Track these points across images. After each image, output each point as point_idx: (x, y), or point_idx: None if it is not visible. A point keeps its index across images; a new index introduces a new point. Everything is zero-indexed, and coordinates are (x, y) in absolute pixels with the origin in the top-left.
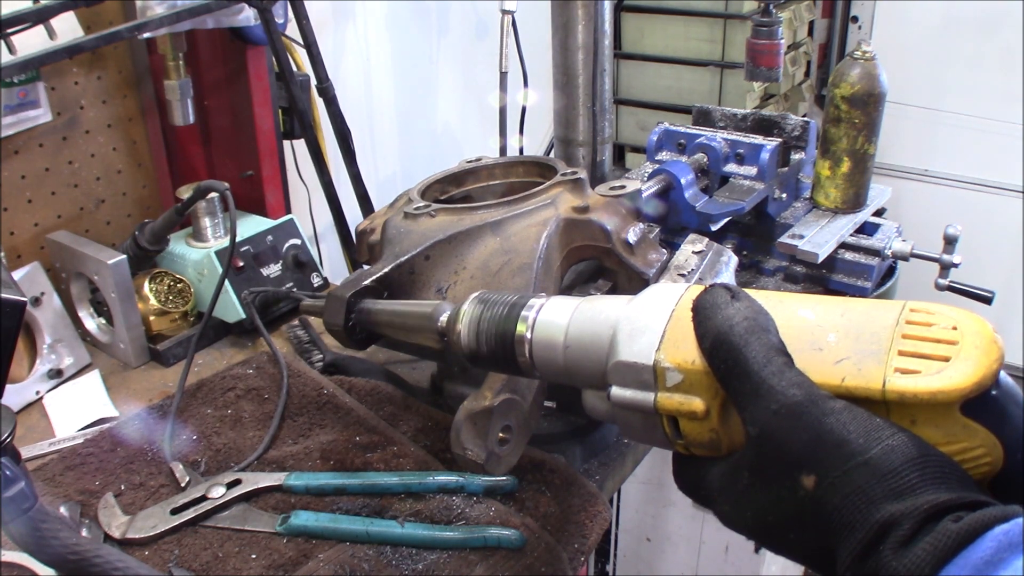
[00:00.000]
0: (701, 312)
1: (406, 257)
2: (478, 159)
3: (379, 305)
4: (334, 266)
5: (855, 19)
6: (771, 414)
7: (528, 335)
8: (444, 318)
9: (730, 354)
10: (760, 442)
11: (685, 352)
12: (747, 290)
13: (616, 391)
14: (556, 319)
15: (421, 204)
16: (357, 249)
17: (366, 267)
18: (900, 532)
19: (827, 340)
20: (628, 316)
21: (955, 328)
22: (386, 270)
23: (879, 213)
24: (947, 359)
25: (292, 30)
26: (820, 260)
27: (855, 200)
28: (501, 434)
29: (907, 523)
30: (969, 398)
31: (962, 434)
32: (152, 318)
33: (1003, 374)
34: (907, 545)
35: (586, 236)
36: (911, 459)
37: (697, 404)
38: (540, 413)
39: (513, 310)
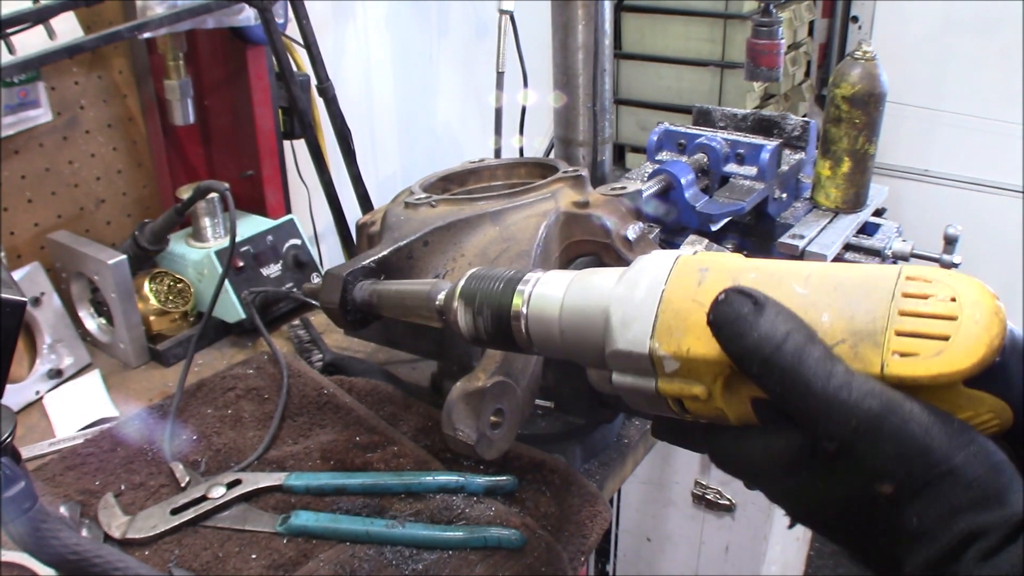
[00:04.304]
0: (727, 329)
1: (405, 242)
2: (481, 161)
3: (377, 285)
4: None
5: (855, 19)
6: (851, 431)
7: (524, 309)
8: (442, 296)
9: (786, 376)
10: (837, 456)
11: (679, 340)
12: (727, 253)
13: (617, 377)
14: (551, 292)
15: (423, 196)
16: (357, 243)
17: None
18: (986, 543)
19: (820, 321)
20: (619, 298)
21: (954, 299)
22: (384, 253)
23: (879, 213)
24: (947, 337)
25: (292, 30)
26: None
27: (855, 200)
28: (493, 417)
29: (994, 534)
30: (971, 376)
31: (967, 404)
32: (152, 318)
33: (1010, 328)
34: (993, 555)
35: (585, 231)
36: (993, 465)
37: (698, 389)
38: (533, 402)
39: (509, 284)
